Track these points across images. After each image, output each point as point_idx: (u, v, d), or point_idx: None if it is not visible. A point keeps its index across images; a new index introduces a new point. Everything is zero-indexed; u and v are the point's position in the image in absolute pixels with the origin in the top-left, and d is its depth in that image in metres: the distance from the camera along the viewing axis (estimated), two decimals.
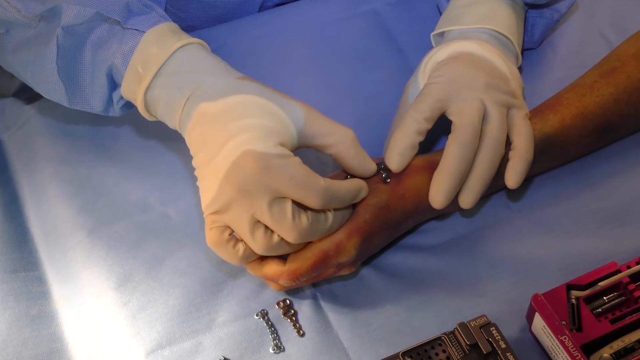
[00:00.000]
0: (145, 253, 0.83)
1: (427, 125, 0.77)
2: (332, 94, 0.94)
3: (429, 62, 0.83)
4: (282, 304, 0.79)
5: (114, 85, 0.78)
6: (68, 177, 0.89)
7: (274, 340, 0.77)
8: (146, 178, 0.88)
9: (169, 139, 0.90)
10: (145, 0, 0.77)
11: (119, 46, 0.75)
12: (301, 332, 0.78)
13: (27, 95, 0.95)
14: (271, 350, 0.77)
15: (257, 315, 0.79)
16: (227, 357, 0.77)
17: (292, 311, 0.79)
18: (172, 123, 0.75)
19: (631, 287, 0.73)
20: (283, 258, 0.75)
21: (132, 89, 0.76)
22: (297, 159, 0.70)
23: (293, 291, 0.80)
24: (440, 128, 0.81)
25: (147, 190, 0.87)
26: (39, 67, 0.78)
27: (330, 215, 0.72)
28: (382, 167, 0.77)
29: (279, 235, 0.71)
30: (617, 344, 0.71)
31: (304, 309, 0.79)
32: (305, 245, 0.74)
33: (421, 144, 0.78)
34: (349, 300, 0.80)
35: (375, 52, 0.98)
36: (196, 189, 0.88)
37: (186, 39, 0.76)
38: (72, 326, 0.80)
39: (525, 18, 0.91)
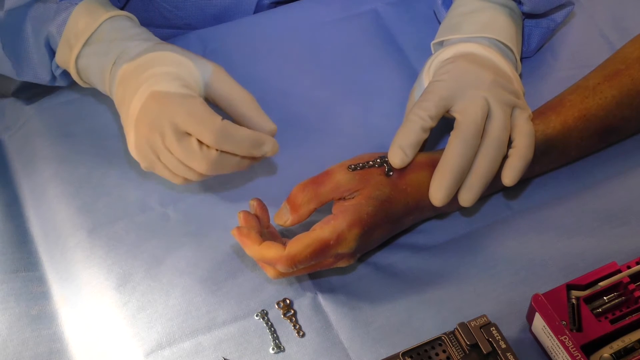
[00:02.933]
0: (144, 253, 0.83)
1: (432, 123, 0.77)
2: (331, 93, 0.94)
3: (433, 63, 0.83)
4: (282, 303, 0.79)
5: (52, 54, 0.84)
6: (68, 177, 0.88)
7: (274, 340, 0.77)
8: (146, 178, 0.88)
9: None
10: None
11: (53, 17, 0.81)
12: (301, 332, 0.78)
13: (27, 95, 0.95)
14: (271, 351, 0.77)
15: (257, 316, 0.79)
16: (227, 357, 0.77)
17: (292, 311, 0.79)
18: (104, 89, 0.81)
19: (631, 287, 0.73)
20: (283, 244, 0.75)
21: (65, 58, 0.82)
22: (200, 98, 0.75)
23: (293, 291, 0.80)
24: (446, 126, 0.81)
25: (146, 191, 0.87)
26: None
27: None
28: (385, 160, 0.77)
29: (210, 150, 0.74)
30: (617, 344, 0.71)
31: (304, 308, 0.79)
32: (306, 232, 0.74)
33: (425, 142, 0.78)
34: (349, 300, 0.80)
35: (375, 52, 0.98)
36: (195, 188, 0.88)
37: (115, 11, 0.82)
38: (72, 326, 0.80)
39: (522, 27, 0.91)
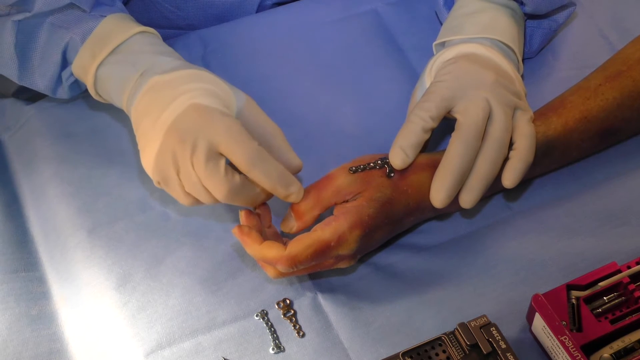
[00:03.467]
0: (144, 253, 0.83)
1: (433, 124, 0.77)
2: (332, 93, 0.94)
3: (435, 64, 0.83)
4: (282, 304, 0.79)
5: (65, 63, 0.83)
6: (68, 177, 0.89)
7: (274, 340, 0.77)
8: (146, 178, 0.87)
9: None
10: None
11: (79, 25, 0.80)
12: (301, 332, 0.78)
13: (27, 95, 0.95)
14: (271, 351, 0.77)
15: (257, 316, 0.79)
16: (227, 357, 0.77)
17: (292, 311, 0.79)
18: (120, 99, 0.79)
19: (631, 287, 0.73)
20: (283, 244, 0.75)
21: (84, 65, 0.80)
22: (238, 121, 0.73)
23: (293, 291, 0.80)
24: (447, 127, 0.81)
25: (146, 190, 0.87)
26: None
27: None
28: (386, 161, 0.77)
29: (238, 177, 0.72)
30: (617, 344, 0.71)
31: (304, 309, 0.79)
32: (307, 233, 0.74)
33: (427, 143, 0.78)
34: (349, 300, 0.80)
35: (375, 52, 0.98)
36: None
37: (146, 27, 0.81)
38: (72, 326, 0.80)
39: (524, 28, 0.91)
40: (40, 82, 0.84)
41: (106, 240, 0.84)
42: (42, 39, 0.82)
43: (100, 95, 0.82)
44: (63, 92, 0.85)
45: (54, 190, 0.88)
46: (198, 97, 0.73)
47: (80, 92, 0.87)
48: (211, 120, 0.72)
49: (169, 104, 0.73)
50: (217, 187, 0.71)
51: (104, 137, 0.92)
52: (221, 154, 0.72)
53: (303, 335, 0.78)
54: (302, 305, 0.80)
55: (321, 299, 0.80)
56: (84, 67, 0.80)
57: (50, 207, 0.87)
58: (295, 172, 0.77)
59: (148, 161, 0.74)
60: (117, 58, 0.79)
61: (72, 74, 0.83)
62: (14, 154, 0.92)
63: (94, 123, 0.93)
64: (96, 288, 0.81)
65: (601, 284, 0.74)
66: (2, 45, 0.82)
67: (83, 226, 0.85)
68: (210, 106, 0.73)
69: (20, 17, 0.81)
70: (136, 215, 0.86)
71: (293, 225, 0.77)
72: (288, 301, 0.80)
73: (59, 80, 0.84)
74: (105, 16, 0.81)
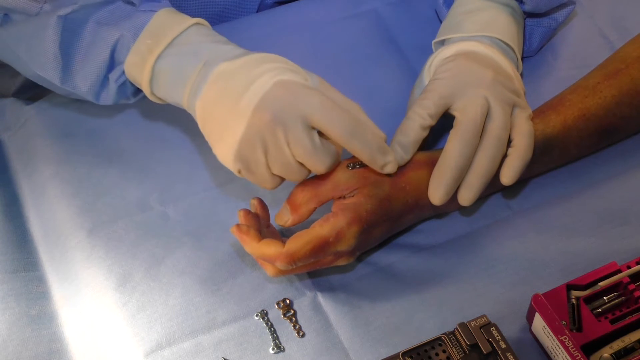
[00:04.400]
0: (144, 253, 0.83)
1: (431, 122, 0.77)
2: None
3: (433, 61, 0.83)
4: (281, 303, 0.79)
5: (113, 64, 0.78)
6: (68, 177, 0.89)
7: (273, 340, 0.77)
8: (145, 178, 0.88)
9: (169, 140, 0.91)
10: None
11: (130, 21, 0.76)
12: (301, 332, 0.78)
13: (27, 95, 0.95)
14: (271, 351, 0.77)
15: (256, 316, 0.79)
16: (227, 357, 0.77)
17: (292, 311, 0.79)
18: (180, 93, 0.75)
19: (631, 287, 0.73)
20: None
21: (138, 61, 0.76)
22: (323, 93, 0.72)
23: (293, 290, 0.80)
24: (447, 125, 0.81)
25: (146, 190, 0.87)
26: (37, 39, 0.78)
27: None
28: None
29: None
30: (617, 344, 0.71)
31: (303, 308, 0.79)
32: (305, 230, 0.74)
33: (425, 140, 0.78)
34: (349, 300, 0.80)
35: (375, 52, 0.98)
36: (195, 188, 0.88)
37: (199, 19, 0.78)
38: (72, 326, 0.80)
39: (524, 26, 0.92)
40: (82, 85, 0.79)
41: (106, 240, 0.84)
42: (86, 39, 0.77)
43: (154, 95, 0.78)
44: (108, 97, 0.80)
45: (54, 190, 0.88)
46: (281, 75, 0.71)
47: (124, 97, 0.82)
48: (301, 95, 0.70)
49: (248, 86, 0.71)
50: (322, 160, 0.70)
51: (103, 137, 0.92)
52: (313, 128, 0.70)
53: (303, 335, 0.78)
54: (302, 305, 0.80)
55: (321, 298, 0.80)
56: (138, 64, 0.76)
57: (50, 207, 0.87)
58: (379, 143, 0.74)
59: (228, 149, 0.72)
60: (176, 50, 0.75)
61: (122, 74, 0.78)
62: (14, 154, 0.92)
63: (93, 123, 0.93)
64: (96, 288, 0.81)
65: (601, 283, 0.74)
66: (45, 43, 0.77)
67: (83, 226, 0.85)
68: (296, 81, 0.71)
69: (68, 10, 0.77)
70: (136, 215, 0.86)
71: (288, 218, 0.77)
72: (288, 301, 0.80)
73: (103, 83, 0.79)
74: (156, 11, 0.77)
